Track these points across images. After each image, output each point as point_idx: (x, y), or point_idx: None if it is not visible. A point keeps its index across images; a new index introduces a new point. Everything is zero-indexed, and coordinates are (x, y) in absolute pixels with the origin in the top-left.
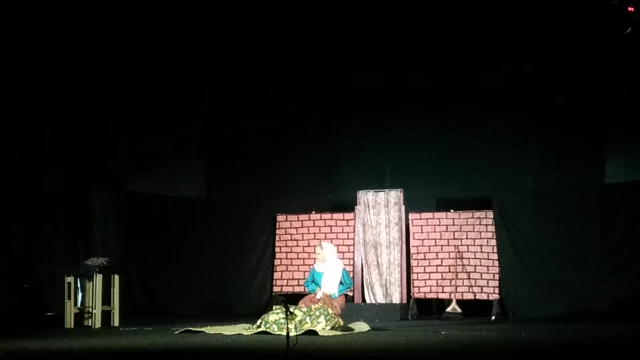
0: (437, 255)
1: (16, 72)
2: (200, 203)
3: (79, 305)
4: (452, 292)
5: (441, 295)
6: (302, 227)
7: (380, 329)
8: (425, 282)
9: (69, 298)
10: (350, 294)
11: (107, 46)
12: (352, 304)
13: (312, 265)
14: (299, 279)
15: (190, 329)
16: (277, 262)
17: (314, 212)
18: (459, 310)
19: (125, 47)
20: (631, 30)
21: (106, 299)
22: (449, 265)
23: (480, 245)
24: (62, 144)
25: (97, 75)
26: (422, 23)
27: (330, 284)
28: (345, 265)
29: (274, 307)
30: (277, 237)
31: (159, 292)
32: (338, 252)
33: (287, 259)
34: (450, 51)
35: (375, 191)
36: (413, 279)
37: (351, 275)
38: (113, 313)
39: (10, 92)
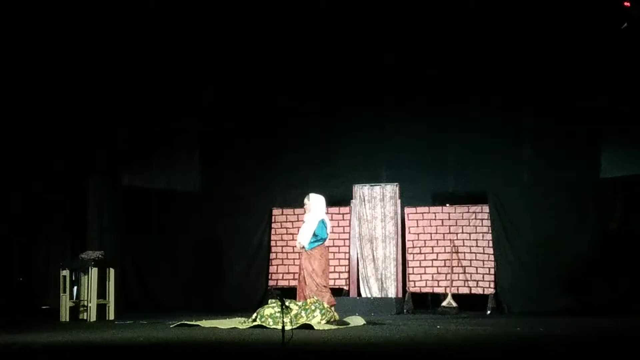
0: (432, 250)
1: (16, 66)
2: (196, 197)
3: (74, 298)
4: (448, 287)
5: (437, 290)
6: (298, 220)
7: (375, 323)
8: (420, 277)
9: (65, 291)
10: (327, 243)
11: (103, 42)
12: (347, 298)
13: None
14: (294, 273)
15: (186, 322)
16: (272, 255)
17: None
18: (454, 304)
19: (121, 43)
20: (627, 26)
21: (101, 293)
22: (445, 260)
23: (476, 240)
24: (59, 138)
25: (95, 70)
26: (420, 19)
27: (303, 234)
28: (340, 259)
29: (270, 300)
30: (272, 231)
31: (154, 285)
32: (333, 245)
33: (282, 252)
34: (447, 47)
35: (371, 185)
36: (409, 273)
37: (345, 264)
38: (108, 307)
39: (9, 87)
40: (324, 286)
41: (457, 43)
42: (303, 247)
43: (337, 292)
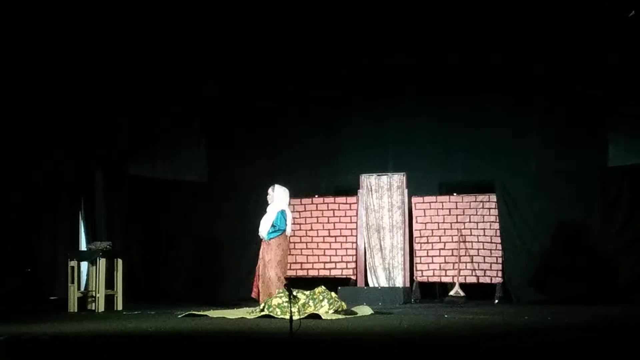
0: (440, 239)
1: (22, 54)
2: (202, 186)
3: (82, 289)
4: (455, 276)
5: (444, 279)
6: (305, 210)
7: (383, 312)
8: (428, 266)
9: (72, 282)
10: (289, 234)
11: (109, 33)
12: (355, 288)
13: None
14: (302, 263)
15: (194, 312)
16: None
17: (316, 196)
18: (462, 293)
19: (127, 34)
20: (634, 14)
21: (109, 283)
22: (452, 249)
23: (483, 229)
24: (66, 126)
25: (101, 60)
26: (425, 6)
27: (263, 224)
28: (347, 248)
29: (277, 291)
30: None
31: (162, 276)
32: (340, 235)
33: (290, 242)
34: (453, 35)
35: (378, 175)
36: (416, 263)
37: (353, 253)
38: (116, 297)
39: (15, 75)
40: (278, 278)
41: (464, 33)
42: (263, 238)
43: (344, 281)
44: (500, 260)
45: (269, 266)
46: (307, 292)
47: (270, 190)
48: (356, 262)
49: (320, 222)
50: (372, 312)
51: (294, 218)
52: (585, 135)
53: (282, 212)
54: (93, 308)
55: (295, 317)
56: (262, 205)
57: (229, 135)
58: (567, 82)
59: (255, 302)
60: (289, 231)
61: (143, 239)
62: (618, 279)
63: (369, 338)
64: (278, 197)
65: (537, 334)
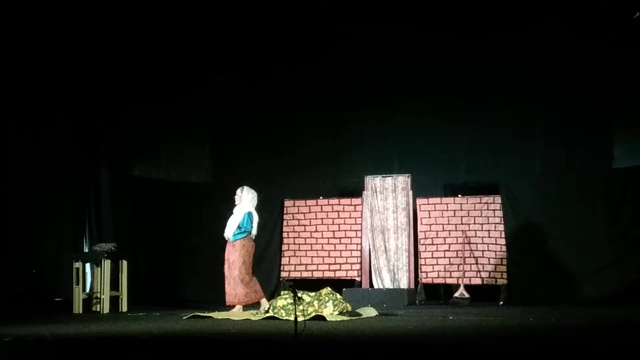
0: (444, 241)
1: (25, 54)
2: (207, 188)
3: (87, 290)
4: (460, 277)
5: (449, 281)
6: (309, 212)
7: (388, 314)
8: (433, 267)
9: (77, 283)
10: (254, 236)
11: (113, 32)
12: (359, 289)
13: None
14: (306, 264)
15: (198, 314)
16: (284, 247)
17: (321, 198)
18: (466, 295)
19: (132, 34)
20: (639, 16)
21: (114, 285)
22: (457, 251)
23: (488, 230)
24: (70, 128)
25: (105, 60)
26: (430, 7)
27: (229, 225)
28: (352, 250)
29: (282, 292)
30: (284, 222)
31: (167, 277)
32: (345, 237)
33: (294, 244)
34: (458, 35)
35: (383, 176)
36: (421, 264)
37: (357, 255)
38: (121, 298)
39: (18, 76)
40: (241, 280)
41: (468, 33)
42: (228, 239)
43: (349, 283)
44: (504, 261)
45: (233, 267)
46: (312, 294)
47: (238, 192)
48: (361, 263)
49: (325, 224)
50: (377, 313)
51: (298, 220)
52: (590, 137)
53: (249, 214)
54: (98, 309)
55: (300, 318)
56: (266, 207)
57: (233, 136)
58: (571, 82)
59: (257, 304)
60: (254, 233)
61: (148, 241)
62: (622, 281)
63: (374, 340)
64: (246, 198)
65: (542, 335)
